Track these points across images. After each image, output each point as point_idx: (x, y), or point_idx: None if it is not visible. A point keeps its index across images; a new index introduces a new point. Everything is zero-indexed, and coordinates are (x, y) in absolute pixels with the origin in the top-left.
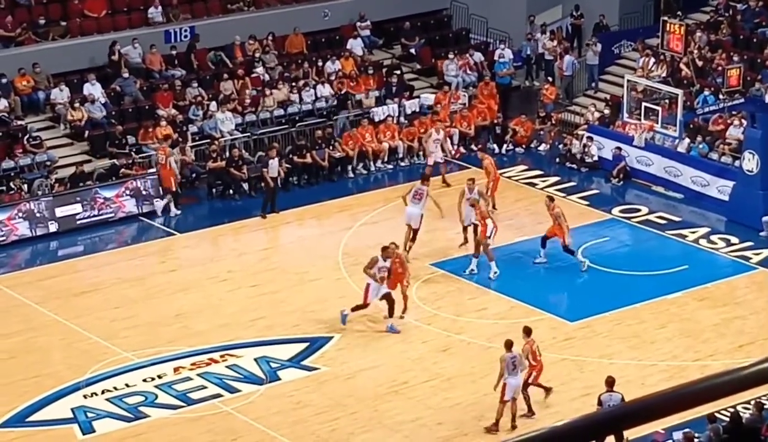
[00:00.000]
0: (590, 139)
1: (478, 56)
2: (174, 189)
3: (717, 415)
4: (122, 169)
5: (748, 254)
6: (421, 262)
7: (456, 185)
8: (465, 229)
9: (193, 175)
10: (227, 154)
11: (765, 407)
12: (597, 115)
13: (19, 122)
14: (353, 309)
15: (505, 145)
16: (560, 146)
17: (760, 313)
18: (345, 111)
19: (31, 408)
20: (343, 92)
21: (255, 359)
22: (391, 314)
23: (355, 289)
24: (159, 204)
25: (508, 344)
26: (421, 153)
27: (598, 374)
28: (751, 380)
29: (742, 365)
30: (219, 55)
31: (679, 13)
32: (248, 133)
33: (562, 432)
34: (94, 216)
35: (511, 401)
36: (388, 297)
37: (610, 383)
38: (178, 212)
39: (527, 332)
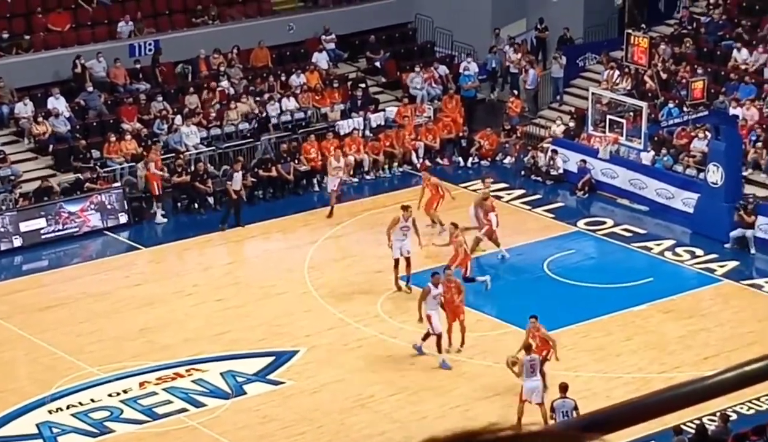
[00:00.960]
0: (555, 152)
1: (443, 69)
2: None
3: (683, 427)
4: (86, 184)
5: (713, 266)
6: (386, 274)
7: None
8: (396, 262)
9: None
10: (192, 168)
11: (730, 418)
12: (562, 128)
13: None
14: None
15: (470, 159)
16: (525, 159)
17: (725, 325)
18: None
19: None
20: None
21: (221, 374)
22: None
23: (321, 303)
24: (159, 212)
25: (527, 347)
26: (385, 166)
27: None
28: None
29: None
30: (187, 68)
31: (643, 26)
32: (213, 147)
33: None
34: (59, 230)
35: (539, 405)
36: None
37: (564, 388)
38: (165, 220)
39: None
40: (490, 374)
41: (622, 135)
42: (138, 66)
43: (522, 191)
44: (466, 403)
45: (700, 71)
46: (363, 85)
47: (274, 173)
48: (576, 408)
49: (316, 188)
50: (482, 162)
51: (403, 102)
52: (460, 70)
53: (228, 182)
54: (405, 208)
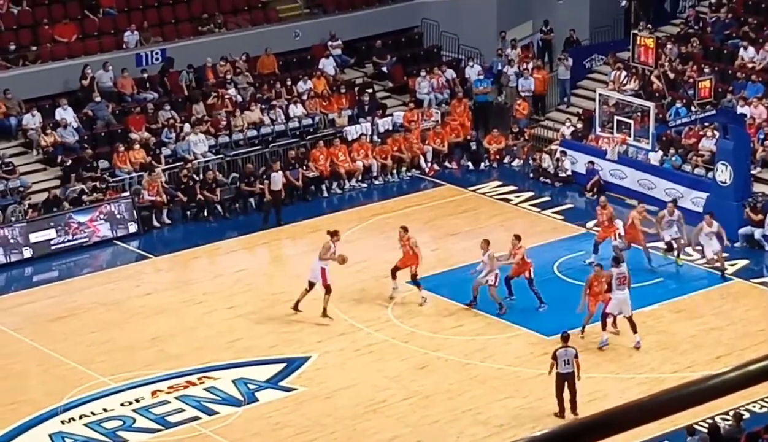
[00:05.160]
0: (563, 153)
1: (450, 73)
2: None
3: (695, 427)
4: (95, 194)
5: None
6: (398, 280)
7: (431, 202)
8: (311, 285)
9: (167, 197)
10: (201, 176)
11: (744, 417)
12: (570, 129)
13: None
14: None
15: (483, 163)
16: (531, 162)
17: (737, 323)
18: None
19: (8, 435)
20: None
21: (232, 381)
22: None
23: (331, 307)
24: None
25: (565, 338)
26: (394, 171)
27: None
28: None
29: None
30: (189, 72)
31: (649, 26)
32: (221, 155)
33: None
34: (69, 241)
35: (628, 319)
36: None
37: (566, 338)
38: (168, 222)
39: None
40: (501, 377)
41: (630, 136)
42: (145, 75)
43: (531, 194)
44: (477, 406)
45: (707, 70)
46: (370, 91)
47: (283, 180)
48: (576, 356)
49: (325, 194)
50: (493, 165)
51: (410, 107)
52: (472, 74)
53: (266, 181)
54: (333, 233)
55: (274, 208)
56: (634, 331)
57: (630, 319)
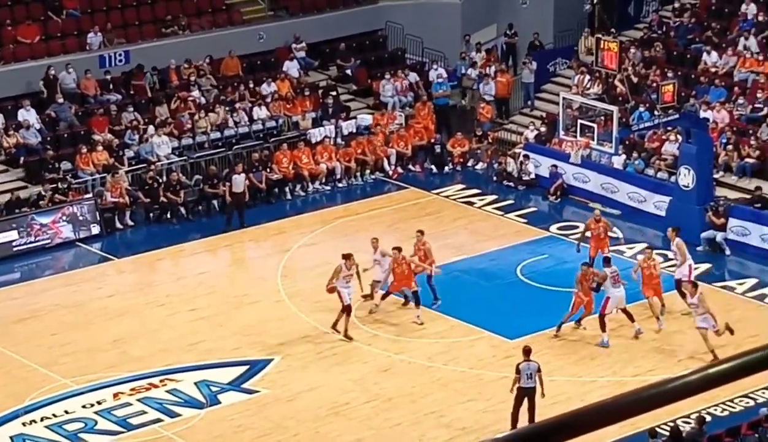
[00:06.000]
0: (526, 157)
1: (413, 76)
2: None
3: (657, 429)
4: (57, 195)
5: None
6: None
7: (395, 205)
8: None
9: (130, 199)
10: (164, 178)
11: (706, 421)
12: (534, 133)
13: None
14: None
15: (446, 166)
16: (495, 165)
17: None
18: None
19: None
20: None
21: (195, 383)
22: None
23: (295, 310)
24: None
25: (527, 351)
26: (358, 173)
27: (538, 391)
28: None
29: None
30: (154, 75)
31: (612, 30)
32: (185, 157)
33: None
34: (31, 243)
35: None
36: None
37: (527, 352)
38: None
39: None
40: (464, 380)
41: (593, 139)
42: (108, 77)
43: (494, 197)
44: (440, 409)
45: (670, 75)
46: (334, 93)
47: (247, 182)
48: (539, 370)
49: (289, 197)
50: (456, 169)
51: (382, 111)
52: (433, 78)
53: (227, 184)
54: (347, 256)
55: (237, 210)
56: (632, 320)
57: (625, 310)
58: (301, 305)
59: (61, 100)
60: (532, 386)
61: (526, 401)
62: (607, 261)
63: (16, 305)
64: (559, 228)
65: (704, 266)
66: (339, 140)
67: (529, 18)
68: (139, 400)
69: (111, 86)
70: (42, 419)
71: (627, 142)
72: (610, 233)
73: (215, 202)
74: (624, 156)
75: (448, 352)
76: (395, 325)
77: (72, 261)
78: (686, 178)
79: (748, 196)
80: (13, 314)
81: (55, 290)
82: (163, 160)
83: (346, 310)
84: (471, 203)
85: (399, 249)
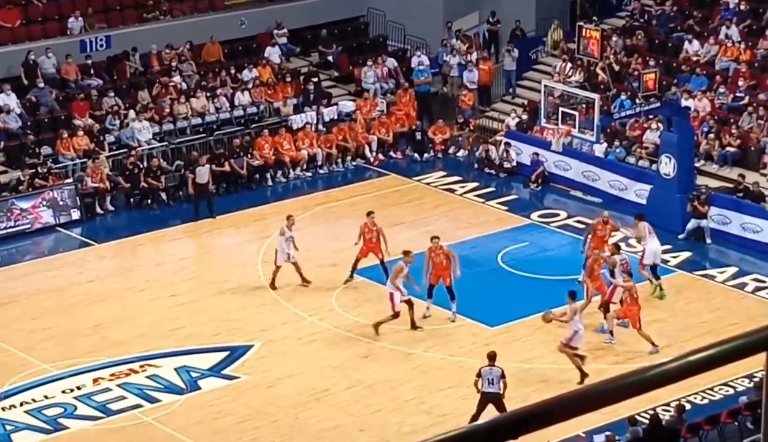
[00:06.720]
0: (508, 144)
1: (391, 62)
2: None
3: (637, 417)
4: (37, 180)
5: (666, 257)
6: (342, 268)
7: (376, 192)
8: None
9: (111, 185)
10: (145, 163)
11: (686, 409)
12: (516, 120)
13: None
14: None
15: (427, 154)
16: (477, 152)
17: (679, 315)
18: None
19: None
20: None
21: (175, 369)
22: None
23: (276, 297)
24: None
25: (491, 356)
26: (339, 160)
27: (519, 378)
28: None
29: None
30: (134, 56)
31: (594, 18)
32: (166, 143)
33: (470, 433)
34: (11, 227)
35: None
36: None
37: (492, 357)
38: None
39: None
40: (444, 367)
41: (574, 127)
42: (89, 61)
43: (475, 184)
44: (420, 396)
45: (651, 63)
46: (315, 80)
47: (227, 168)
48: (503, 376)
49: (269, 183)
50: (438, 156)
51: (364, 97)
52: (413, 65)
53: (191, 176)
54: (406, 252)
55: (204, 200)
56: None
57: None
58: (282, 291)
59: (41, 85)
60: (494, 392)
61: (492, 408)
62: (617, 248)
63: None
64: (540, 216)
65: (685, 255)
66: (320, 127)
67: (512, 5)
68: (119, 385)
69: (92, 71)
70: (21, 404)
71: (608, 131)
72: (616, 233)
73: None
74: (605, 144)
75: (428, 339)
76: (376, 311)
77: (52, 246)
78: (667, 166)
79: (730, 186)
80: None
81: (35, 275)
82: (144, 145)
83: (397, 314)
84: (452, 190)
85: (437, 238)
